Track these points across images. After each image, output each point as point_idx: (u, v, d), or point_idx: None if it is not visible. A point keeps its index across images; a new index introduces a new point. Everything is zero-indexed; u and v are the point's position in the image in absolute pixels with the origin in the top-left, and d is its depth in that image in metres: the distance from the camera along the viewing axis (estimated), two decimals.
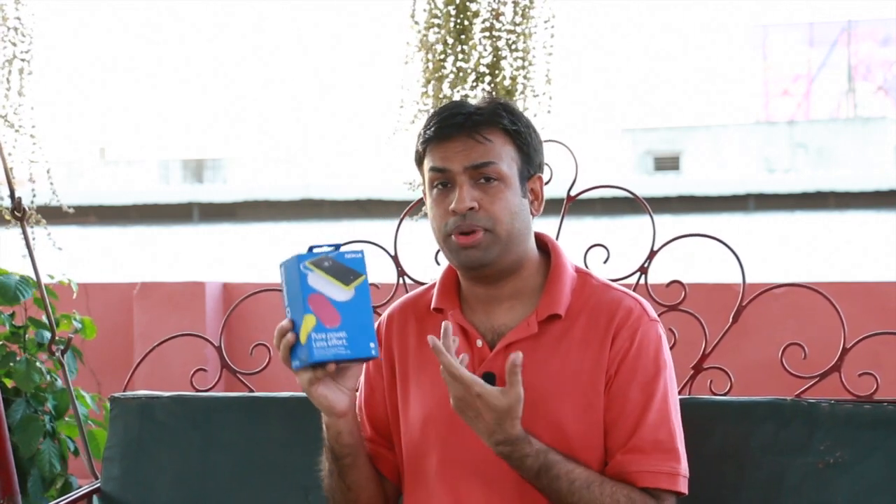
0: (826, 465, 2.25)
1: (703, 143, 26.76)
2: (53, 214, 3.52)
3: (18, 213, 3.08)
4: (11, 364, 3.39)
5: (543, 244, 2.16)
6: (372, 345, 1.96)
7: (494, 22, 3.78)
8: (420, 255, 2.79)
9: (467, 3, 3.76)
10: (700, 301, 2.78)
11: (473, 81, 3.79)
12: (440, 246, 2.11)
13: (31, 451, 3.31)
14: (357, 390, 2.06)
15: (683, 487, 2.05)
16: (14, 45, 3.43)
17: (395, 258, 2.76)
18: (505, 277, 2.10)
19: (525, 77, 3.78)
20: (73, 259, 3.88)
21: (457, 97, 3.78)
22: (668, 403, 2.06)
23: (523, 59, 3.78)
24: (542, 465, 1.98)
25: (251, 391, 2.76)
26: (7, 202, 3.17)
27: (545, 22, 3.78)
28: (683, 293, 2.59)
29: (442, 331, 1.97)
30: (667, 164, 26.63)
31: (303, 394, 2.56)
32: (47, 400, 3.42)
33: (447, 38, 3.77)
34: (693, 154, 26.58)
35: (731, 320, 2.57)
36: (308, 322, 1.94)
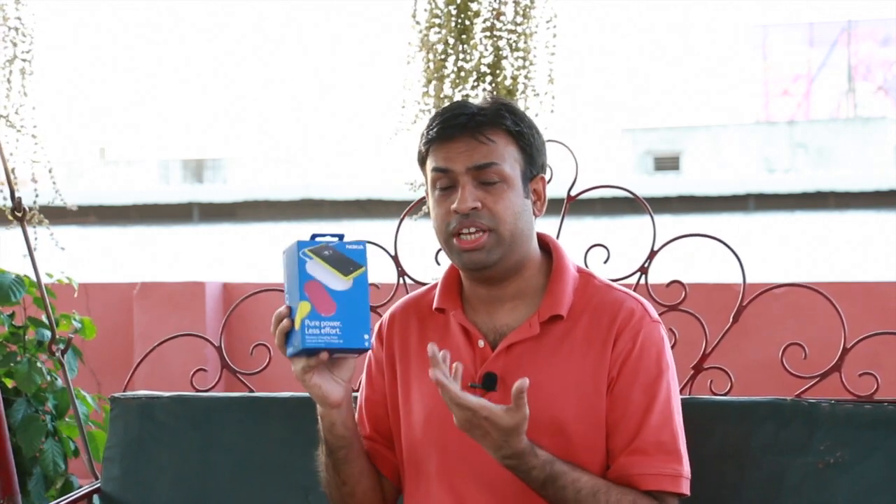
0: (826, 465, 2.25)
1: (703, 143, 26.74)
2: (54, 214, 3.52)
3: (18, 213, 3.08)
4: (12, 364, 3.39)
5: (545, 244, 2.16)
6: (366, 336, 1.96)
7: (495, 22, 3.78)
8: (420, 255, 2.79)
9: (468, 3, 3.76)
10: (700, 301, 2.78)
11: (474, 81, 3.79)
12: (442, 246, 2.11)
13: (34, 451, 3.31)
14: (351, 381, 2.06)
15: (686, 489, 2.05)
16: (15, 45, 3.44)
17: (395, 258, 2.76)
18: (507, 278, 2.10)
19: (526, 77, 3.78)
20: (73, 259, 3.88)
21: (458, 97, 3.78)
22: (671, 405, 2.07)
23: (524, 58, 3.78)
24: (548, 476, 1.98)
25: (251, 391, 2.76)
26: (9, 202, 3.17)
27: (547, 22, 3.79)
28: (683, 293, 2.59)
29: (430, 355, 1.94)
30: (667, 164, 26.61)
31: (303, 394, 2.57)
32: (48, 400, 3.42)
33: (448, 37, 3.77)
34: (693, 154, 26.57)
35: (731, 320, 2.57)
36: (303, 308, 1.95)
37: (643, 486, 2.03)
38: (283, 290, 2.04)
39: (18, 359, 3.40)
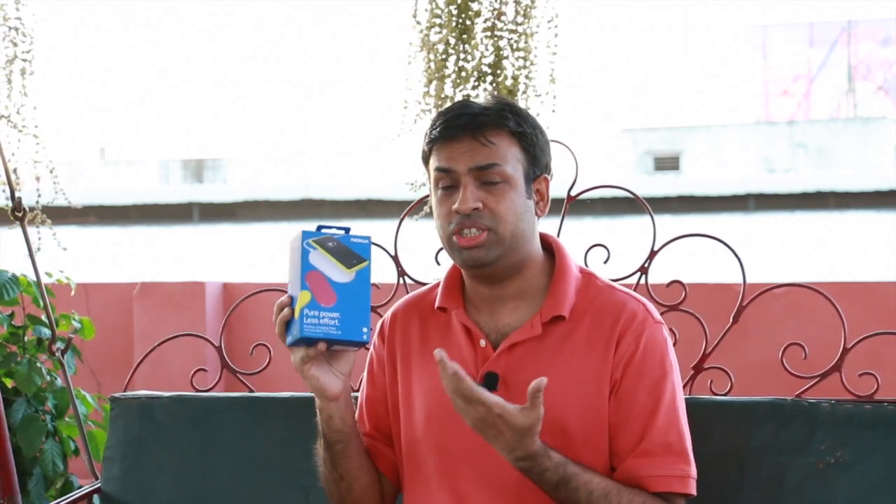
0: (826, 465, 2.25)
1: (703, 143, 26.74)
2: (54, 214, 3.52)
3: (19, 214, 3.08)
4: (13, 365, 3.39)
5: (548, 245, 2.16)
6: (364, 330, 1.96)
7: (496, 21, 3.78)
8: (420, 255, 2.79)
9: (469, 3, 3.76)
10: (700, 301, 2.78)
11: (475, 81, 3.79)
12: (443, 244, 2.12)
13: (34, 451, 3.31)
14: (350, 376, 2.07)
15: (693, 489, 2.06)
16: (15, 45, 3.44)
17: (395, 258, 2.76)
18: (508, 277, 2.10)
19: (527, 77, 3.79)
20: (72, 259, 3.88)
21: (459, 97, 3.78)
22: (676, 406, 2.07)
23: (525, 58, 3.78)
24: (560, 478, 1.98)
25: (251, 391, 2.75)
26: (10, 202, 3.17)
27: (549, 21, 3.79)
28: (684, 293, 2.59)
29: (438, 359, 1.93)
30: (667, 164, 26.62)
31: (303, 394, 2.57)
32: (48, 400, 3.42)
33: (449, 37, 3.77)
34: (693, 154, 26.57)
35: (731, 320, 2.57)
36: (303, 297, 1.95)
37: (652, 487, 2.03)
38: (283, 291, 2.04)
39: (18, 359, 3.40)
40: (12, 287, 3.38)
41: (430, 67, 3.79)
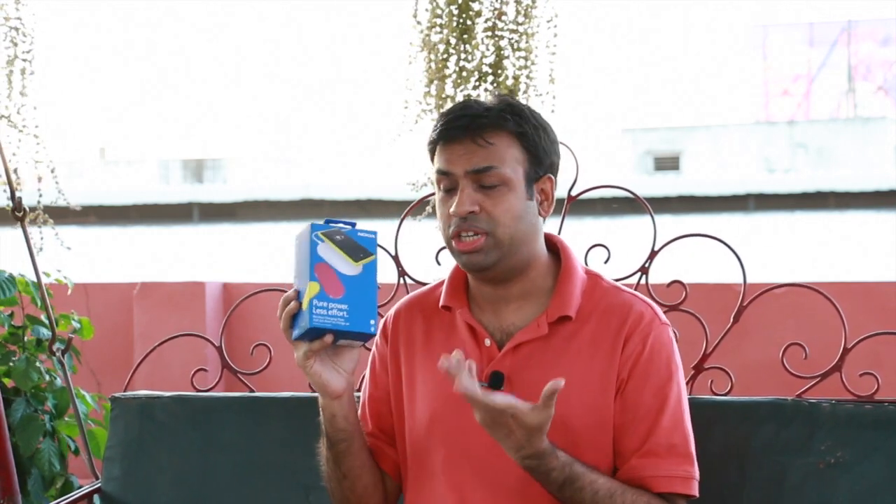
0: (827, 466, 2.25)
1: (703, 143, 26.73)
2: (55, 214, 3.52)
3: (19, 214, 3.08)
4: (11, 363, 3.39)
5: (553, 245, 2.16)
6: (372, 322, 1.97)
7: (497, 21, 3.78)
8: (421, 255, 2.79)
9: (470, 3, 3.76)
10: (701, 301, 2.78)
11: (476, 81, 3.79)
12: (446, 246, 2.12)
13: (31, 451, 3.31)
14: (354, 374, 2.07)
15: (695, 490, 2.06)
16: (15, 45, 3.44)
17: (395, 258, 2.76)
18: (512, 278, 2.10)
19: (528, 77, 3.78)
20: (72, 259, 3.88)
21: (460, 97, 3.78)
22: (681, 407, 2.07)
23: (526, 58, 3.78)
24: (566, 478, 1.98)
25: (251, 391, 2.76)
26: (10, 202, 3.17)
27: (548, 21, 3.79)
28: (684, 293, 2.59)
29: (447, 367, 1.92)
30: (667, 164, 26.61)
31: (303, 394, 2.57)
32: (47, 399, 3.42)
33: (450, 37, 3.77)
34: (693, 154, 26.56)
35: (731, 320, 2.57)
36: (312, 289, 1.95)
37: (656, 488, 2.03)
38: (283, 291, 2.04)
39: (17, 356, 3.40)
40: (9, 287, 3.38)
41: (430, 67, 3.79)
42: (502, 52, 3.78)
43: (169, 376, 4.15)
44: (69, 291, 3.67)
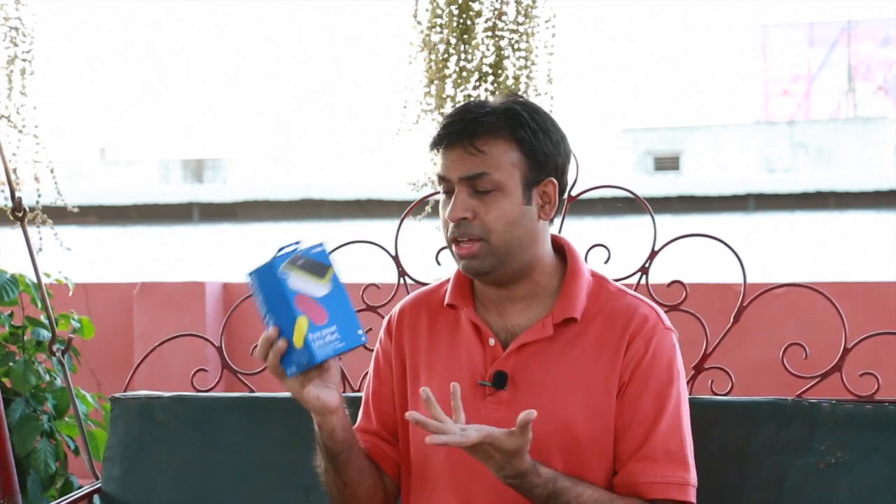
0: (827, 466, 2.25)
1: (703, 143, 26.76)
2: (54, 214, 3.52)
3: (19, 214, 3.08)
4: (11, 364, 3.39)
5: (560, 247, 2.15)
6: (360, 332, 1.97)
7: (497, 21, 3.78)
8: (421, 255, 2.79)
9: (470, 3, 3.76)
10: (701, 301, 2.78)
11: (476, 81, 3.79)
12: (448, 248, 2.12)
13: (27, 450, 3.30)
14: (339, 382, 2.06)
15: (692, 497, 2.05)
16: (15, 45, 3.44)
17: (395, 258, 2.76)
18: (515, 281, 2.09)
19: (528, 77, 3.78)
20: (72, 259, 3.88)
21: (460, 97, 3.78)
22: (680, 412, 2.07)
23: (526, 58, 3.78)
24: (551, 493, 1.98)
25: (251, 391, 2.75)
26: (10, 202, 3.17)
27: (546, 21, 3.79)
28: (684, 293, 2.59)
29: (424, 399, 1.94)
30: (667, 164, 26.63)
31: None
32: (47, 399, 3.41)
33: (450, 37, 3.77)
34: (693, 154, 26.58)
35: (731, 320, 2.56)
36: (301, 324, 1.93)
37: (650, 494, 2.03)
38: (257, 300, 2.02)
39: (17, 358, 3.40)
40: (12, 288, 3.38)
41: (430, 67, 3.79)
42: (502, 52, 3.78)
43: (169, 376, 4.15)
44: (70, 293, 3.67)
